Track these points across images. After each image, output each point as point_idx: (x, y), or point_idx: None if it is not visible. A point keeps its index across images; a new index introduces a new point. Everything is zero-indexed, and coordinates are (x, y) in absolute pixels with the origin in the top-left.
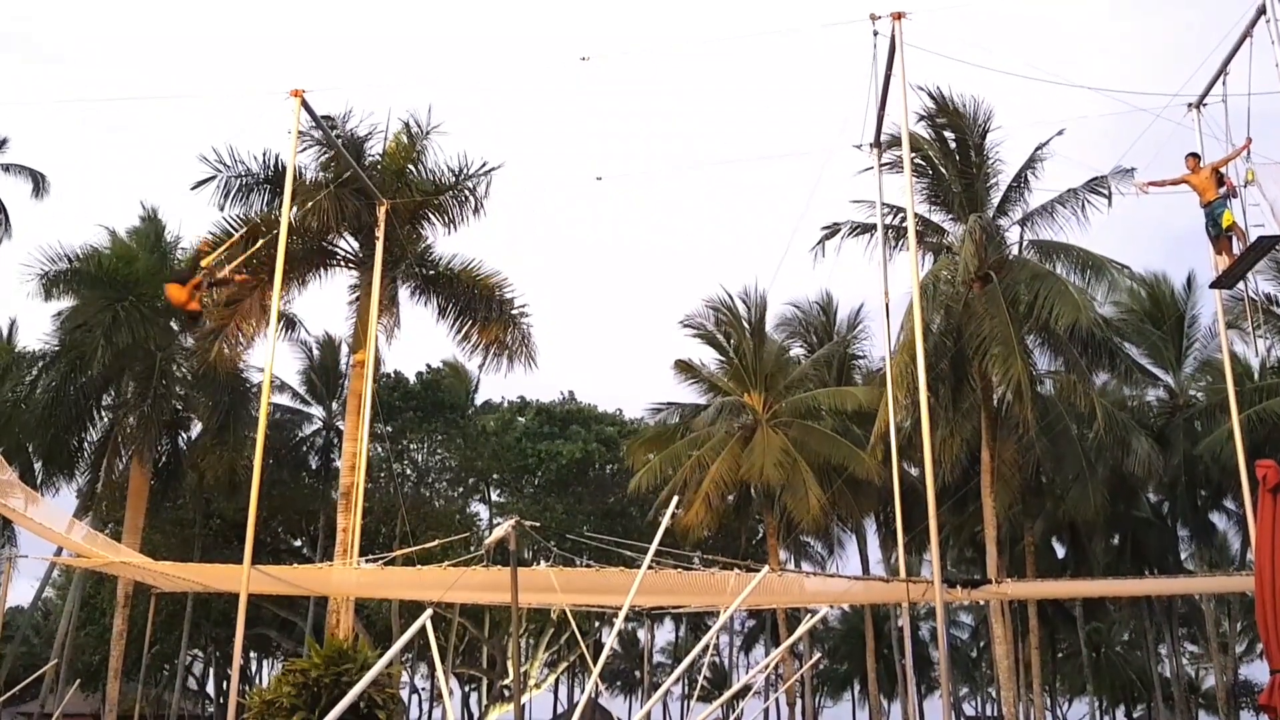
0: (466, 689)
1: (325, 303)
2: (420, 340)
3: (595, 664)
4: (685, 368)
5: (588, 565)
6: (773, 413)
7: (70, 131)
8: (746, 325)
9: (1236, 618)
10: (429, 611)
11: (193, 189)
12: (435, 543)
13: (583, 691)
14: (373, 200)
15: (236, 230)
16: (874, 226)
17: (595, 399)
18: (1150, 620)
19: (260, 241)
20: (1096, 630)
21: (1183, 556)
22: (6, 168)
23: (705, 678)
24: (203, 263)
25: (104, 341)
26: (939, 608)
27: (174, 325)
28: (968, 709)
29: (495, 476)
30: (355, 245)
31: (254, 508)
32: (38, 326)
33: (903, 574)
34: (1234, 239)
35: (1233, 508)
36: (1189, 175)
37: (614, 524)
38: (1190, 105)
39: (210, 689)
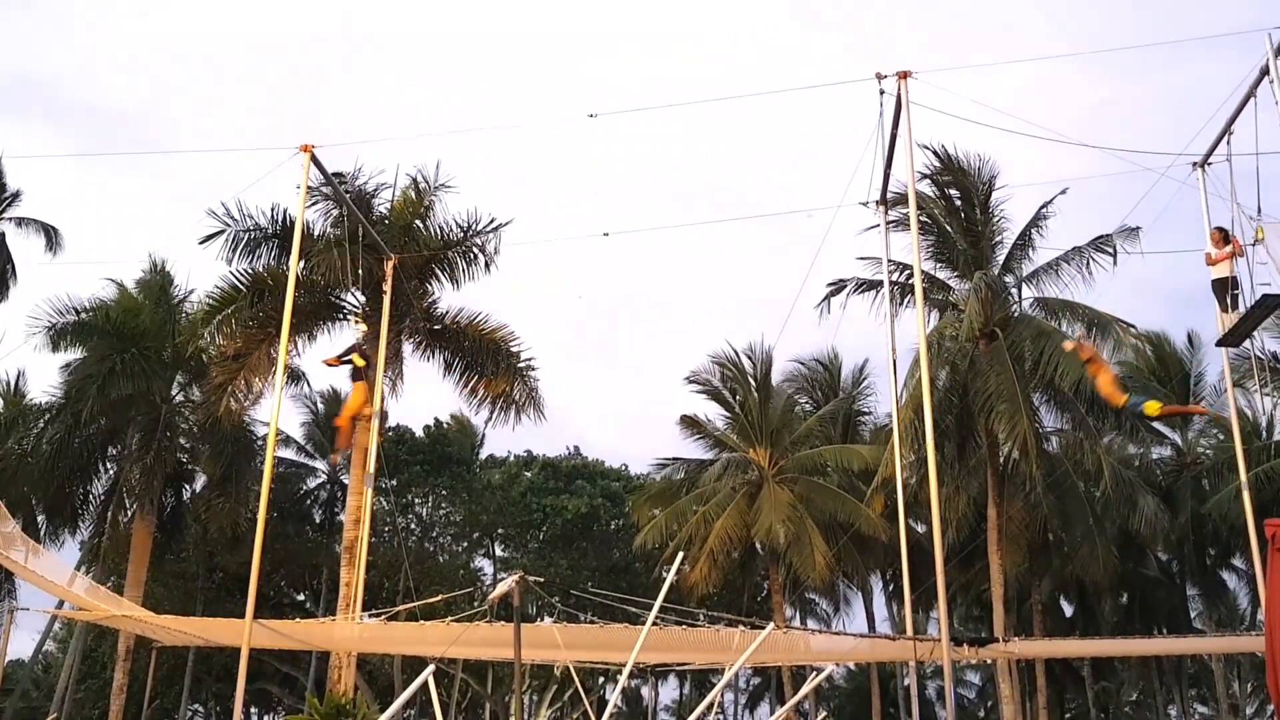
0: None
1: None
2: (426, 394)
3: None
4: (691, 423)
5: (592, 621)
6: (778, 469)
7: (81, 184)
8: (752, 381)
9: (1247, 678)
10: (431, 667)
11: (201, 243)
12: (439, 598)
13: None
14: (380, 255)
15: (243, 284)
16: (879, 283)
17: (601, 454)
18: (1160, 680)
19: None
20: (1105, 690)
21: (1192, 615)
22: (19, 221)
23: None
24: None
25: (97, 392)
26: (946, 666)
27: (180, 378)
28: None
29: (500, 531)
30: (362, 299)
31: (257, 561)
32: (47, 379)
33: (909, 632)
34: (1239, 296)
35: (1242, 566)
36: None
37: (618, 580)
38: (1195, 165)
39: None
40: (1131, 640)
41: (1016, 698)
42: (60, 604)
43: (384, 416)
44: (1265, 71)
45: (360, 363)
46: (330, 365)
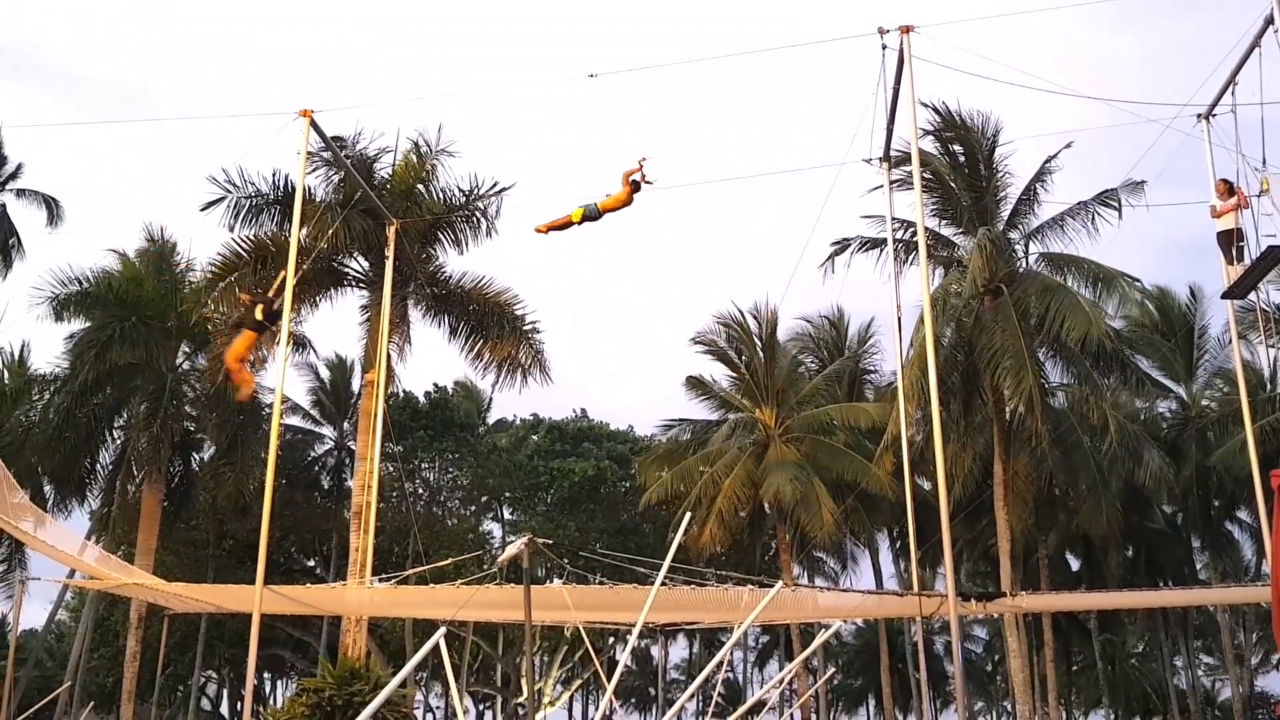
0: (481, 708)
1: (337, 323)
2: (433, 360)
3: (609, 681)
4: (696, 384)
5: (601, 582)
6: (785, 428)
7: (80, 153)
8: (758, 341)
9: (1252, 629)
10: (442, 630)
11: (202, 210)
12: (448, 561)
13: (597, 709)
14: (382, 220)
15: (245, 250)
16: (883, 241)
17: (606, 417)
18: (1165, 632)
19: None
20: (1111, 642)
21: (1197, 567)
22: (20, 193)
23: (719, 694)
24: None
25: (95, 358)
26: (953, 621)
27: (185, 347)
28: None
29: (507, 495)
30: (365, 265)
31: (266, 528)
32: (51, 349)
33: (916, 588)
34: (1244, 248)
35: (1246, 518)
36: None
37: (627, 541)
38: (1199, 116)
39: (224, 710)
40: (1137, 593)
41: (1024, 651)
42: (71, 573)
43: (390, 381)
44: (1270, 21)
45: (258, 315)
46: (246, 302)
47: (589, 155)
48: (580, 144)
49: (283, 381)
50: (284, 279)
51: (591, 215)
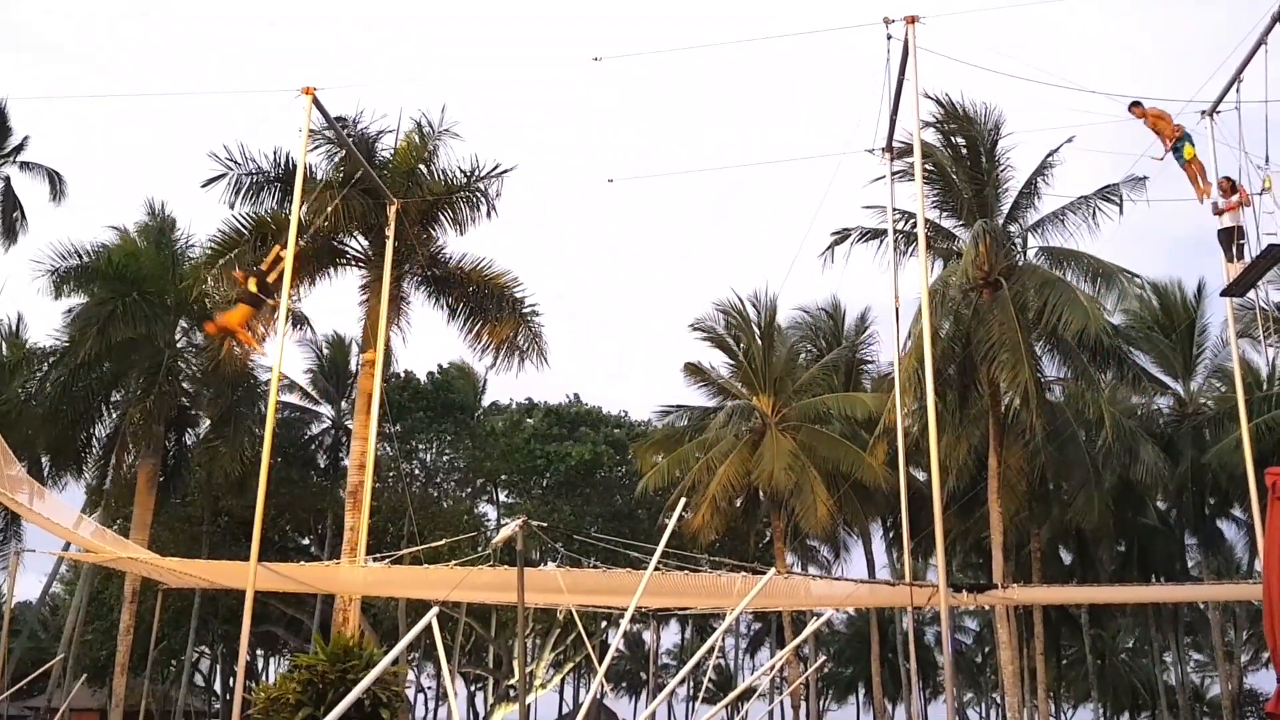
0: (472, 688)
1: (336, 301)
2: (432, 340)
3: (601, 664)
4: (695, 371)
5: (594, 566)
6: (781, 416)
7: (82, 128)
8: (756, 329)
9: (1242, 626)
10: (435, 610)
11: (203, 186)
12: (442, 542)
13: (588, 692)
14: (383, 200)
15: (245, 228)
16: (883, 232)
17: (602, 402)
18: (1156, 627)
19: (277, 254)
20: (1101, 637)
21: (1189, 564)
22: (25, 166)
23: (710, 679)
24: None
25: (97, 334)
26: (944, 612)
27: (183, 323)
28: (972, 714)
29: (503, 477)
30: (365, 244)
31: (261, 505)
32: (49, 323)
33: (908, 578)
34: (1244, 246)
35: (1241, 516)
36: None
37: (621, 526)
38: (1204, 112)
39: (216, 685)
40: (1129, 587)
41: (1014, 643)
42: (66, 546)
43: (388, 361)
44: (1277, 18)
45: (251, 288)
46: (240, 279)
47: (593, 137)
48: (585, 127)
49: (280, 358)
50: (277, 253)
51: None
